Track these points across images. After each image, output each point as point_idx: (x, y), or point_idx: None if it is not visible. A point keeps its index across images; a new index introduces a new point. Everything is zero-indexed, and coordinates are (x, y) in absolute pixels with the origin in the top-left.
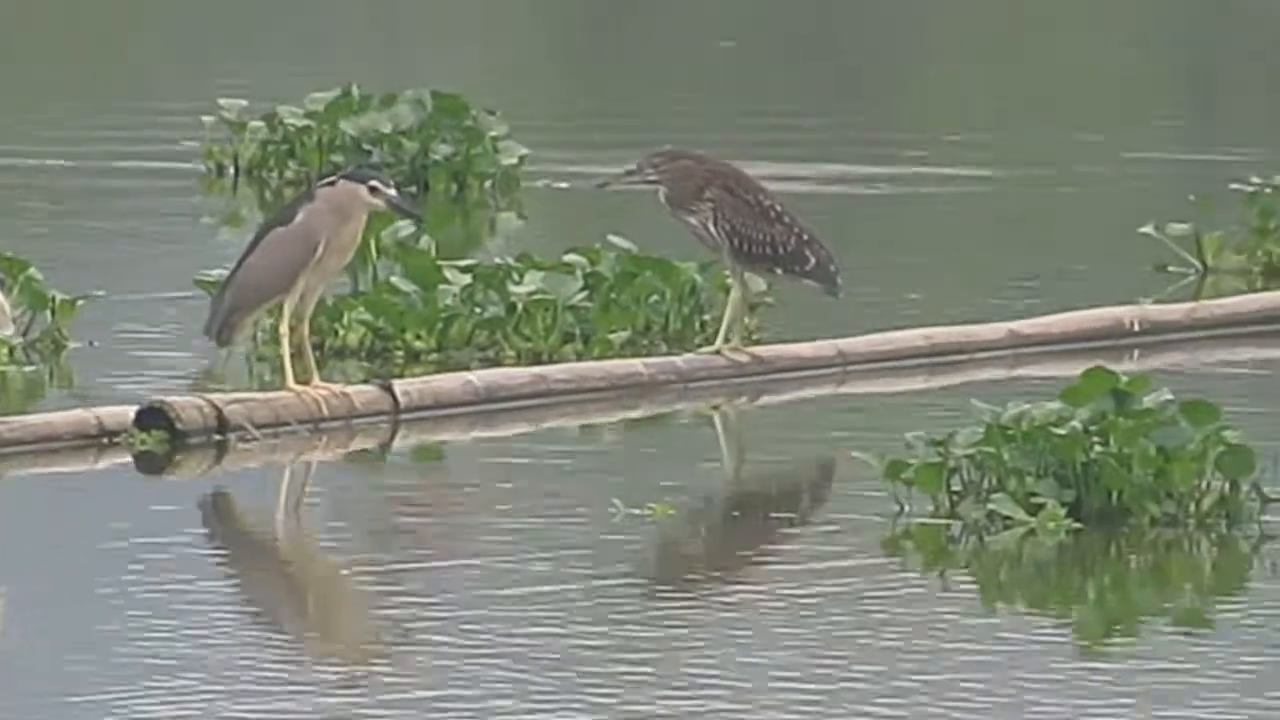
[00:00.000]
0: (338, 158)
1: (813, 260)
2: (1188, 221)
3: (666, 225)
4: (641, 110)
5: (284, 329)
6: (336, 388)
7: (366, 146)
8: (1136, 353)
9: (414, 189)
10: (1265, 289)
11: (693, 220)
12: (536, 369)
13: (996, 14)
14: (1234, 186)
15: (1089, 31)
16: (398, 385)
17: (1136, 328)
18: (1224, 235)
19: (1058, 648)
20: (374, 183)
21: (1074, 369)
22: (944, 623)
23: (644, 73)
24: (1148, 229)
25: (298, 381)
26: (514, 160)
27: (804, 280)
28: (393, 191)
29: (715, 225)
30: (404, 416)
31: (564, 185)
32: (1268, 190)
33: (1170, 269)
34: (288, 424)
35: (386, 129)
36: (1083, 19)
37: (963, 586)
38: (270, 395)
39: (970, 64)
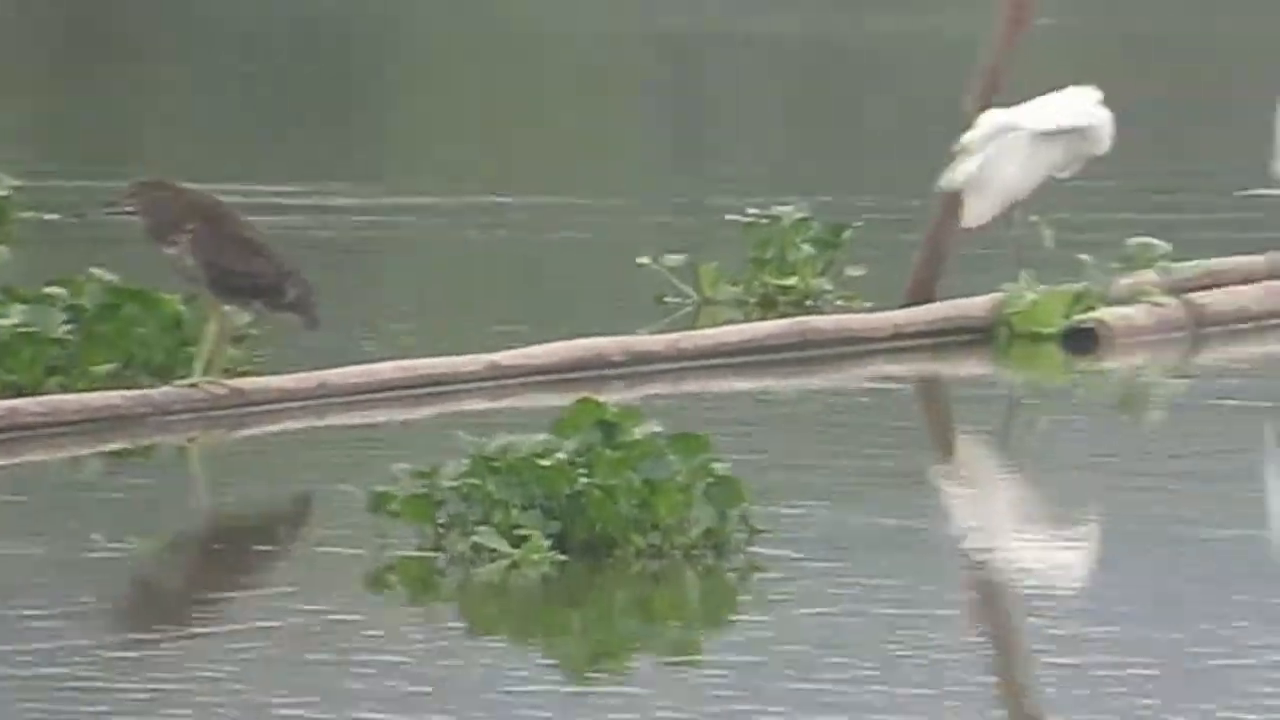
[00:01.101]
0: None
1: (292, 293)
2: (684, 252)
3: (153, 256)
4: (131, 138)
5: None
6: None
7: None
8: (621, 384)
9: None
10: (761, 319)
11: (172, 252)
12: (7, 402)
13: (475, 37)
14: (730, 217)
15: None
16: None
17: (619, 359)
18: (721, 266)
19: (544, 677)
20: None
21: (562, 400)
22: (429, 653)
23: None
24: (644, 259)
25: None
26: (4, 192)
27: (284, 313)
28: None
29: (194, 257)
30: None
31: (53, 216)
32: (764, 221)
33: (667, 299)
34: None
35: None
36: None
37: (449, 619)
38: None
39: (458, 87)
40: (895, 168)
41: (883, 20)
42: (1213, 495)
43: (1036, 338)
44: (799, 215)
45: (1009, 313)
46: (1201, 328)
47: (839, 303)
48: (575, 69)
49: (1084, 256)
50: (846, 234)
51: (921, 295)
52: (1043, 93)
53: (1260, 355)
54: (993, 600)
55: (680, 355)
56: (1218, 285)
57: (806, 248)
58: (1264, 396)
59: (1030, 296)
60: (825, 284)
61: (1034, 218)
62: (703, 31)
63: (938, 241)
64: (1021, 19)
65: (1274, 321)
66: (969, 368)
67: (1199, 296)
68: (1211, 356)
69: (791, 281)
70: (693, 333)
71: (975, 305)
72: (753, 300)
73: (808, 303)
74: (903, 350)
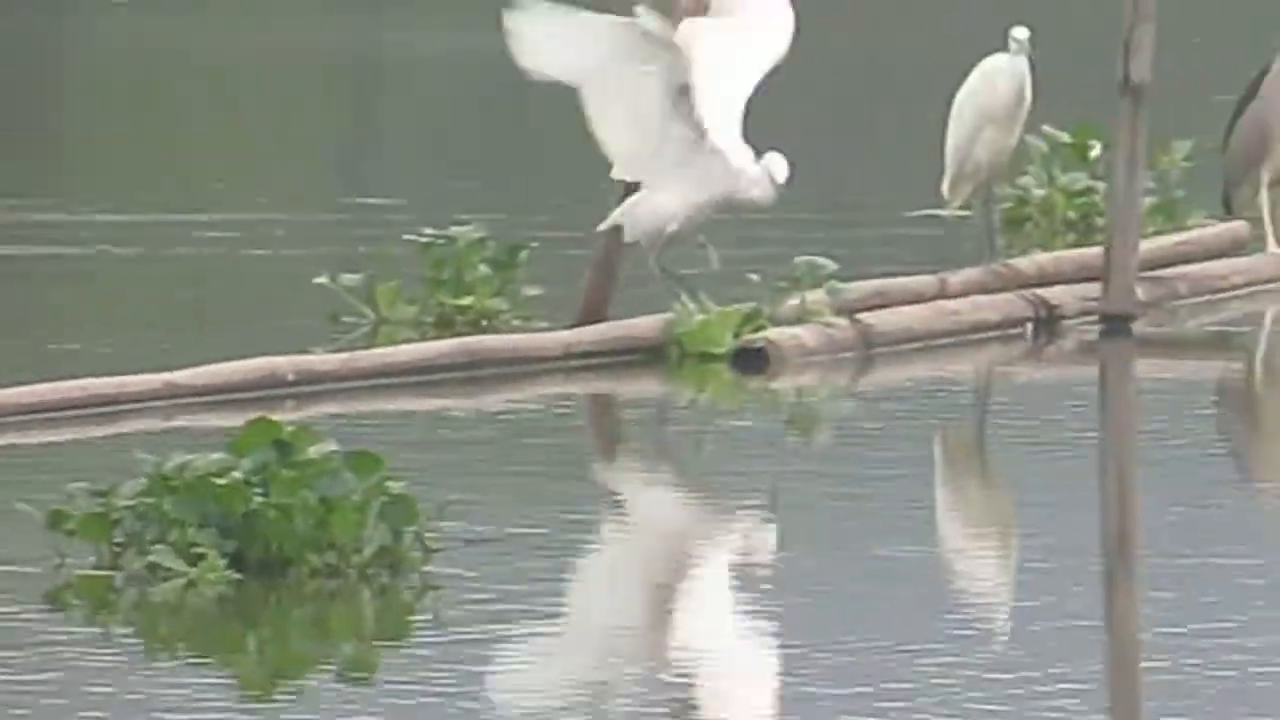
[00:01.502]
0: None
1: None
2: (361, 272)
3: None
4: None
5: None
6: None
7: None
8: (291, 403)
9: None
10: (438, 338)
11: None
12: None
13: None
14: (407, 237)
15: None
16: None
17: (291, 377)
18: (398, 285)
19: (219, 695)
20: None
21: (238, 419)
22: (104, 670)
23: None
24: (322, 279)
25: None
26: None
27: None
28: None
29: None
30: None
31: None
32: (440, 241)
33: (345, 319)
34: None
35: None
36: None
37: (125, 638)
38: None
39: (137, 108)
40: (573, 187)
41: None
42: (876, 513)
43: (707, 357)
44: (475, 235)
45: (679, 333)
46: (870, 348)
47: (516, 322)
48: (256, 92)
49: (752, 276)
50: (523, 254)
51: (593, 315)
52: None
53: (927, 376)
54: (672, 610)
55: (354, 374)
56: (886, 305)
57: (483, 268)
58: (930, 415)
59: (700, 316)
60: (502, 304)
61: (700, 238)
62: (381, 52)
63: (608, 261)
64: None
65: (942, 342)
66: (640, 387)
67: (867, 316)
68: (880, 376)
69: (468, 301)
70: (365, 352)
71: (645, 325)
72: (430, 320)
73: (484, 323)
74: (575, 370)
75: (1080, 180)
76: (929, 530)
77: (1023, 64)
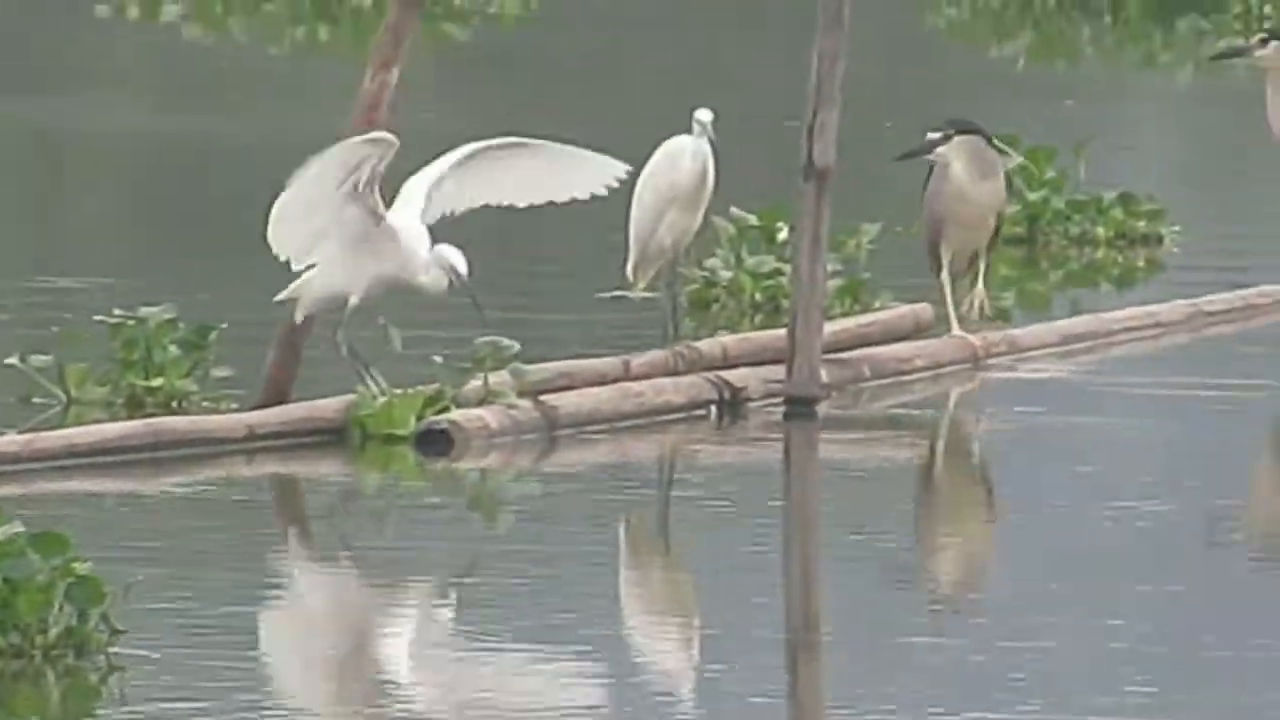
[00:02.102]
0: None
1: None
2: (51, 353)
3: None
4: None
5: None
6: None
7: None
8: None
9: None
10: (130, 419)
11: None
12: None
13: None
14: (98, 318)
15: None
16: None
17: None
18: (88, 366)
19: None
20: None
21: None
22: None
23: None
24: (12, 360)
25: None
26: None
27: None
28: None
29: None
30: None
31: None
32: (130, 322)
33: (36, 400)
34: None
35: None
36: None
37: None
38: None
39: None
40: (264, 269)
41: (249, 119)
42: (559, 594)
43: (390, 439)
44: (166, 316)
45: (362, 414)
46: (554, 429)
47: (206, 404)
48: None
49: (436, 357)
50: (213, 335)
51: (276, 396)
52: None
53: (612, 458)
54: (353, 687)
55: (37, 456)
56: (570, 387)
57: (173, 349)
58: (613, 497)
59: (383, 398)
60: (192, 385)
61: (381, 320)
62: (68, 131)
63: (291, 342)
64: (374, 119)
65: (627, 424)
66: (323, 469)
67: (551, 398)
68: (564, 458)
69: (158, 383)
70: (49, 433)
71: (328, 406)
72: (120, 401)
73: (175, 404)
74: (258, 451)
75: (767, 263)
76: (611, 608)
77: (705, 146)
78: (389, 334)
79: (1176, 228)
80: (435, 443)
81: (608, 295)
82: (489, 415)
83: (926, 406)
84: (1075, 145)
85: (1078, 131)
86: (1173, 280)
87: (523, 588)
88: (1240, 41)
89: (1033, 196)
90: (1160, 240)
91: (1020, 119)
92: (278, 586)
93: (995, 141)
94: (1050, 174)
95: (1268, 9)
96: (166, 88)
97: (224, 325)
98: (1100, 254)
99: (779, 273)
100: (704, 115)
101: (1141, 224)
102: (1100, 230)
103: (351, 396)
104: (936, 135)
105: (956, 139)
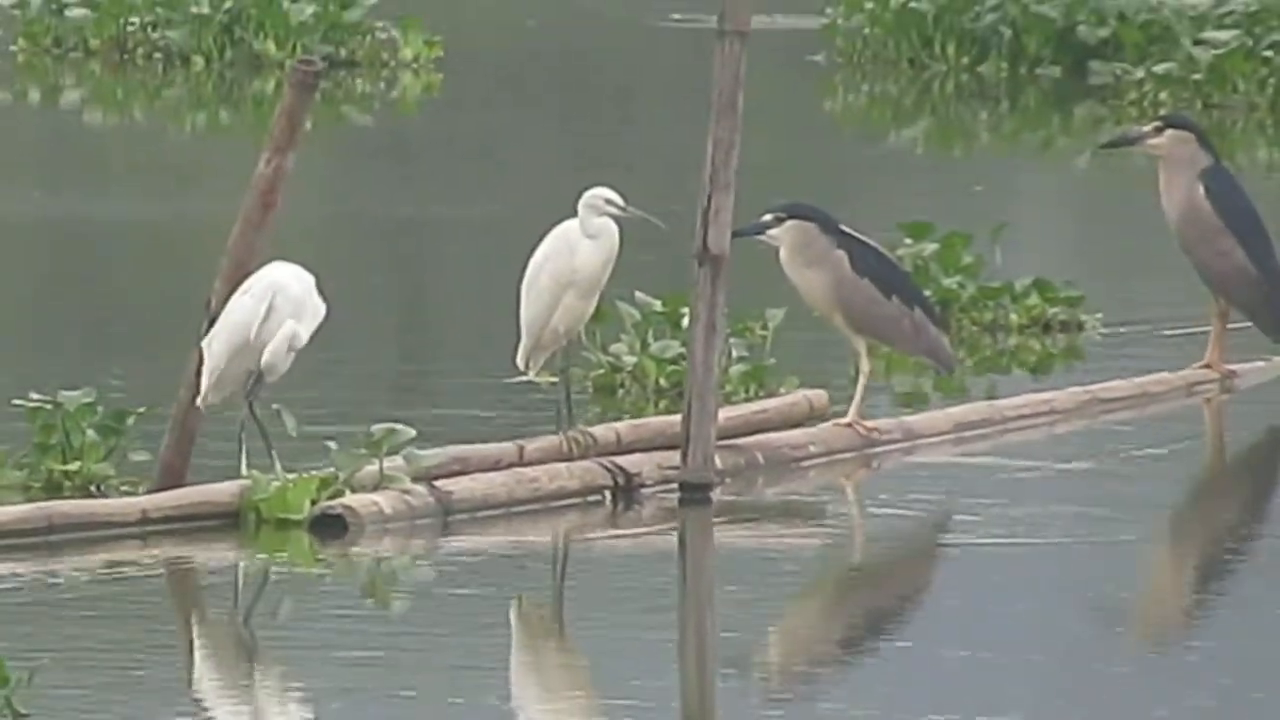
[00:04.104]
0: None
1: None
2: None
3: None
4: None
5: None
6: None
7: None
8: None
9: None
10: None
11: None
12: None
13: None
14: (16, 402)
15: None
16: None
17: None
18: (5, 451)
19: None
20: None
21: None
22: None
23: None
24: None
25: None
26: None
27: None
28: None
29: None
30: None
31: None
32: (48, 406)
33: None
34: None
35: None
36: None
37: None
38: None
39: None
40: (169, 352)
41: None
42: (451, 676)
43: (285, 523)
44: (83, 400)
45: (257, 499)
46: (449, 514)
47: (125, 488)
48: None
49: (330, 442)
50: (130, 419)
51: (170, 480)
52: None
53: (505, 543)
54: None
55: None
56: (465, 472)
57: (91, 433)
58: (507, 582)
59: (277, 482)
60: (109, 469)
61: (276, 406)
62: None
63: (184, 425)
64: (269, 202)
65: (521, 509)
66: (216, 553)
67: (446, 483)
68: (459, 543)
69: (75, 467)
70: None
71: (223, 490)
72: (38, 484)
73: (93, 488)
74: (151, 535)
75: (672, 348)
76: (502, 692)
77: (612, 226)
78: (283, 418)
79: (1099, 315)
80: (330, 527)
81: (514, 381)
82: (384, 500)
83: (820, 493)
84: (991, 230)
85: (989, 217)
86: (1090, 368)
87: (414, 672)
88: (1134, 129)
89: (947, 282)
90: (1080, 327)
91: (928, 205)
92: (168, 671)
93: (845, 228)
94: (966, 259)
95: (1163, 95)
96: (66, 172)
97: (141, 409)
98: (1013, 340)
99: (683, 358)
100: (610, 194)
101: (1057, 310)
102: (1014, 317)
103: (246, 481)
104: (769, 217)
105: (788, 223)
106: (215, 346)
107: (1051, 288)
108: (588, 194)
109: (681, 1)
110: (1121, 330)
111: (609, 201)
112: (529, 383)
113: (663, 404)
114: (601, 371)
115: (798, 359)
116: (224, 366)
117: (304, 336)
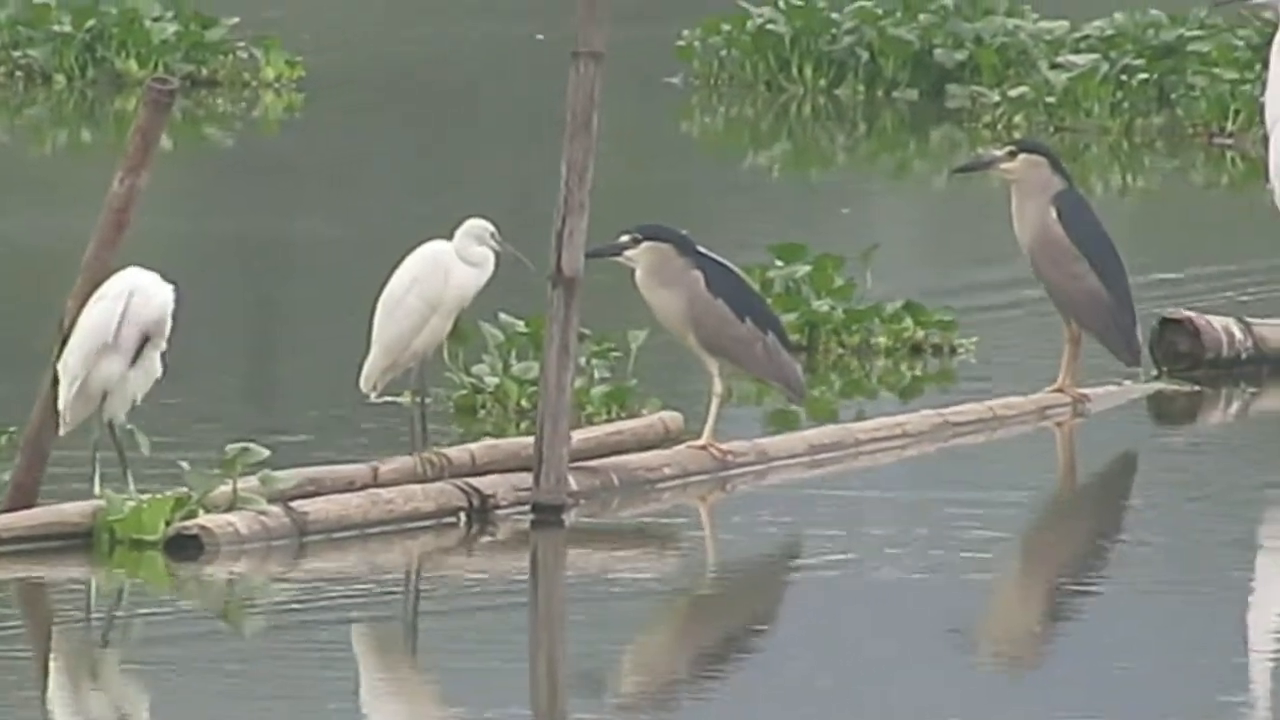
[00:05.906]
0: None
1: None
2: None
3: None
4: None
5: None
6: None
7: None
8: None
9: None
10: None
11: None
12: None
13: None
14: None
15: None
16: None
17: None
18: None
19: None
20: None
21: None
22: None
23: None
24: None
25: None
26: None
27: None
28: None
29: None
30: None
31: None
32: None
33: None
34: None
35: None
36: None
37: None
38: None
39: None
40: (24, 371)
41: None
42: (299, 702)
43: (139, 544)
44: None
45: (110, 519)
46: (304, 535)
47: None
48: None
49: (184, 463)
50: (3, 440)
51: (22, 500)
52: None
53: (360, 564)
54: None
55: None
56: (319, 493)
57: None
58: (360, 604)
59: (131, 503)
60: None
61: (129, 426)
62: None
63: (38, 445)
64: (122, 221)
65: (376, 530)
66: (69, 573)
67: (301, 504)
68: (313, 564)
69: None
70: None
71: (75, 510)
72: None
73: None
74: (3, 555)
75: (534, 369)
76: (353, 715)
77: (490, 258)
78: (136, 438)
79: (975, 338)
80: (185, 547)
81: (376, 400)
82: (239, 520)
83: (674, 515)
84: (861, 253)
85: (857, 239)
86: (964, 390)
87: (268, 696)
88: (987, 152)
89: (816, 304)
90: (953, 350)
91: (791, 228)
92: (23, 695)
93: (703, 250)
94: (838, 282)
95: (1018, 118)
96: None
97: (12, 429)
98: (881, 363)
99: None
100: (490, 227)
101: (928, 333)
102: (882, 340)
103: (100, 501)
104: (625, 239)
105: (645, 244)
106: (71, 359)
107: (924, 310)
108: (470, 223)
109: (550, 21)
110: (993, 353)
111: (492, 235)
112: (389, 402)
113: (524, 425)
114: (464, 392)
115: (661, 381)
116: (82, 376)
117: (157, 359)
